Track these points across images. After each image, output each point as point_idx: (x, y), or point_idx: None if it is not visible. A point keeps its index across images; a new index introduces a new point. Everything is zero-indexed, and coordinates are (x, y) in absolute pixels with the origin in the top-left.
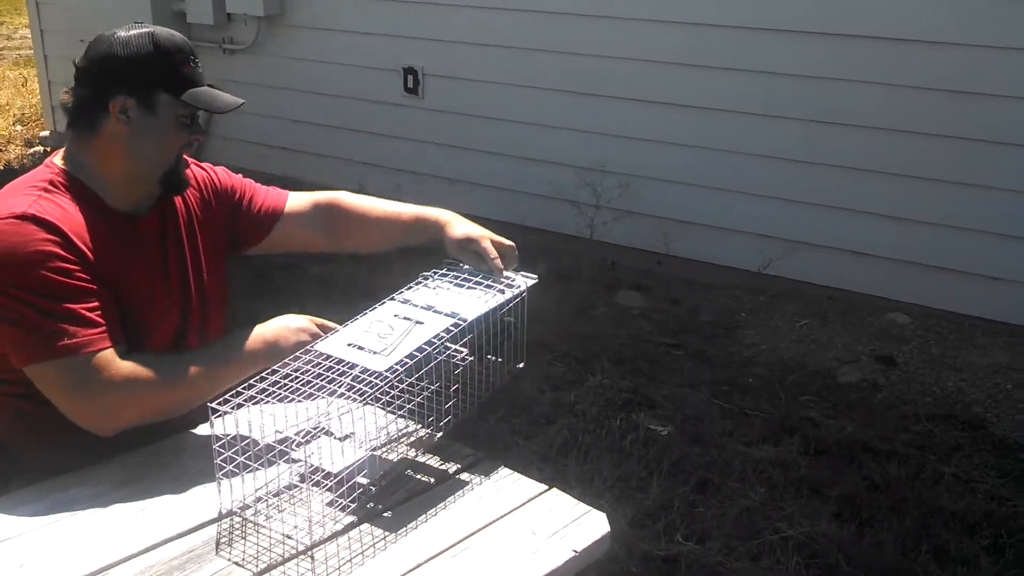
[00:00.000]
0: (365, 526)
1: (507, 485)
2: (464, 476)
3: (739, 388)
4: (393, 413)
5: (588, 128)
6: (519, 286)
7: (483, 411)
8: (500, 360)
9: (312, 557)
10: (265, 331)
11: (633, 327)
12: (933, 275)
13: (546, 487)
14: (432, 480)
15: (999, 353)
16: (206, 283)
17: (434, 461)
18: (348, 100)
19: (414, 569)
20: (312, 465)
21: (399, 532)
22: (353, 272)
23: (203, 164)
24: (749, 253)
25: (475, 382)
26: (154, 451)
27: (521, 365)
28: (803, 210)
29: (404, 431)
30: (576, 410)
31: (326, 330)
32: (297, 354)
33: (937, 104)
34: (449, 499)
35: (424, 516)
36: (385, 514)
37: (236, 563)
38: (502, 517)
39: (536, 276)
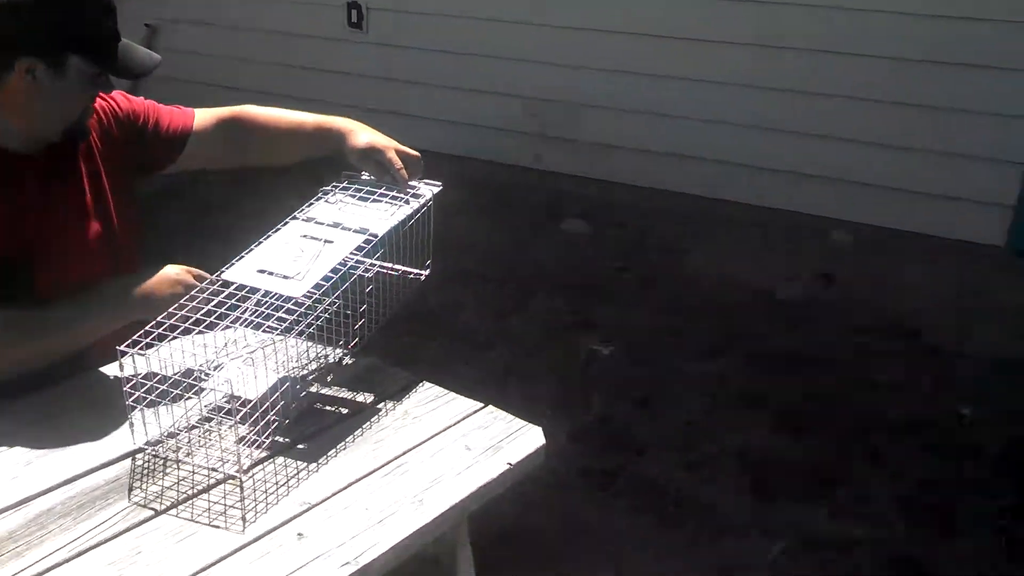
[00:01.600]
0: (296, 449)
1: (442, 405)
2: (398, 397)
3: (683, 308)
4: (309, 338)
5: (532, 58)
6: (424, 195)
7: (423, 338)
8: (411, 273)
9: (240, 484)
10: (140, 282)
11: (578, 253)
12: (874, 194)
13: (481, 404)
14: (365, 401)
15: (937, 267)
16: (114, 220)
17: (366, 384)
18: (291, 36)
19: (345, 488)
20: (230, 395)
21: (329, 455)
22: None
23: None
24: (695, 178)
25: (385, 297)
26: (66, 390)
27: (427, 273)
28: (746, 134)
29: (322, 355)
30: (517, 335)
31: (202, 280)
32: (204, 286)
33: (871, 24)
34: (383, 420)
35: (355, 437)
36: (316, 438)
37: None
38: (436, 435)
39: (440, 184)
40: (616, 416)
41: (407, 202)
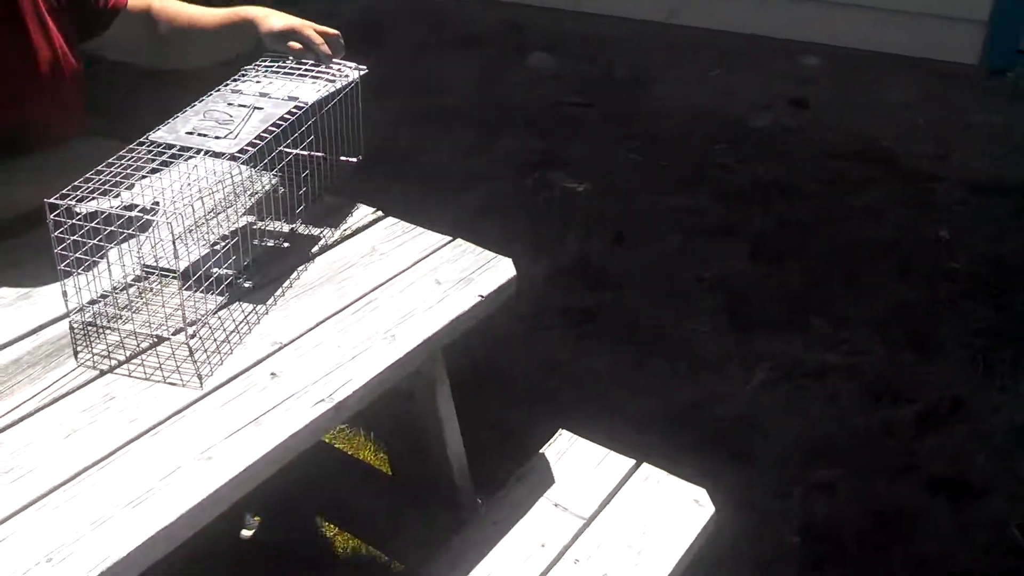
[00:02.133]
0: (262, 291)
1: (409, 240)
2: (363, 235)
3: (652, 141)
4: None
5: None
6: (350, 76)
7: (393, 179)
8: (339, 157)
9: (208, 324)
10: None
11: (544, 89)
12: (845, 12)
13: (450, 238)
14: (329, 240)
15: (911, 89)
16: (60, 59)
17: (331, 222)
18: None
19: (316, 327)
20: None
21: (298, 294)
22: None
23: None
24: (659, 4)
25: (313, 177)
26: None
27: (358, 159)
28: None
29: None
30: (488, 175)
31: None
32: (132, 147)
33: None
34: (349, 257)
35: (323, 276)
36: (281, 279)
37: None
38: (405, 270)
39: (366, 67)
40: (592, 254)
41: (333, 80)
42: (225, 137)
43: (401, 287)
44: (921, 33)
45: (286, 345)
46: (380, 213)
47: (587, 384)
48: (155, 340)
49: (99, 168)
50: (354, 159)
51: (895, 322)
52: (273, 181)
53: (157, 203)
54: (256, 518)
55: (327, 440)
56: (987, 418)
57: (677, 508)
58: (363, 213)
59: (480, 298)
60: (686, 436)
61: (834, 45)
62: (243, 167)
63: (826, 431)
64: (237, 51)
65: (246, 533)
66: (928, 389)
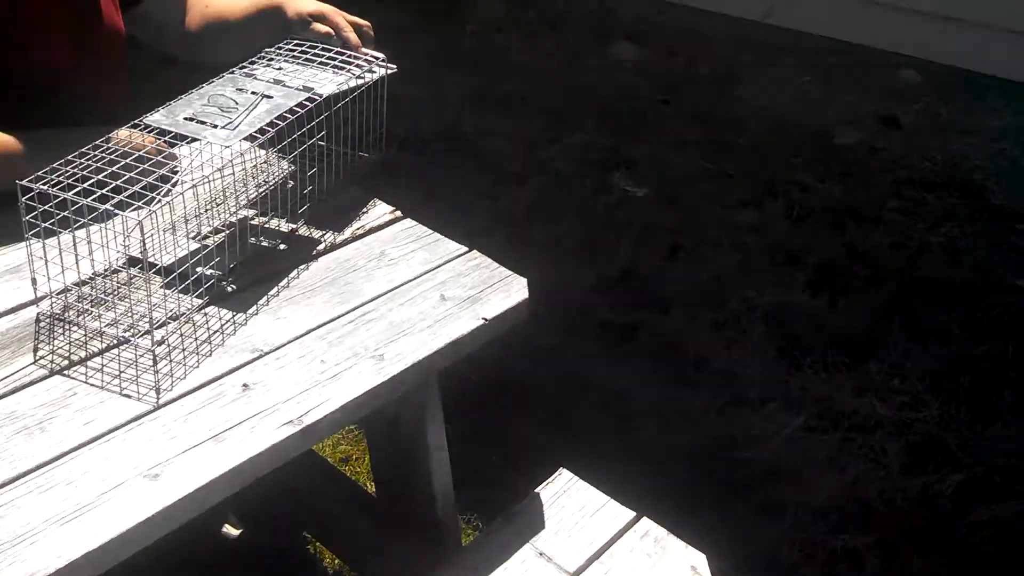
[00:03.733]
0: (254, 290)
1: (422, 247)
2: (375, 236)
3: (727, 148)
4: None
5: None
6: (374, 71)
7: (452, 166)
8: (358, 153)
9: (192, 321)
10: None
11: (623, 80)
12: (949, 28)
13: (465, 249)
14: (337, 240)
15: (1010, 116)
16: (115, 19)
17: (344, 219)
18: None
19: (303, 336)
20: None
21: (292, 297)
22: None
23: None
24: (754, 1)
25: (329, 171)
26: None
27: (379, 157)
28: None
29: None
30: (549, 169)
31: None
32: (118, 132)
33: None
34: (355, 260)
35: (324, 279)
36: (278, 278)
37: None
38: (411, 280)
39: (395, 67)
40: (641, 266)
41: (359, 74)
42: (224, 127)
43: (403, 299)
44: None
45: (267, 354)
46: (398, 213)
47: (615, 407)
48: (120, 341)
49: (84, 150)
50: (375, 157)
51: (955, 377)
52: (286, 170)
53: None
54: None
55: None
56: None
57: (669, 573)
58: (380, 212)
59: (483, 321)
60: (710, 480)
61: (935, 61)
62: (256, 150)
63: (863, 492)
64: (267, 42)
65: (231, 532)
66: (982, 454)
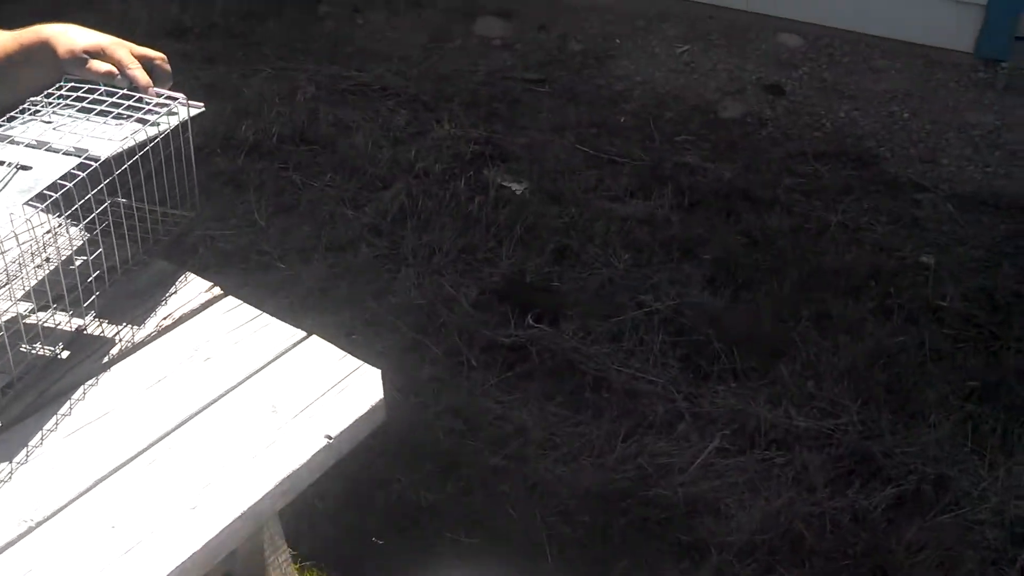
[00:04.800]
0: (18, 428)
1: (248, 335)
2: (188, 326)
3: (608, 130)
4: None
5: None
6: (176, 112)
7: (308, 173)
8: (159, 211)
9: None
10: None
11: (493, 62)
12: None
13: (303, 335)
14: (135, 337)
15: (898, 77)
16: None
17: (147, 305)
18: None
19: (86, 492)
20: None
21: (68, 435)
22: None
23: None
24: None
25: (124, 241)
26: None
27: (193, 215)
28: None
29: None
30: (417, 169)
31: None
32: None
33: None
34: (160, 365)
35: (112, 400)
36: (52, 406)
37: None
38: (232, 389)
39: (203, 105)
40: (527, 273)
41: (152, 116)
42: None
43: (221, 418)
44: (912, 14)
45: (41, 524)
46: (216, 291)
47: (510, 446)
48: None
49: None
50: (186, 215)
51: (873, 375)
52: (75, 243)
53: None
54: None
55: None
56: (976, 506)
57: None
58: (194, 292)
59: (328, 441)
60: (622, 521)
61: (817, 24)
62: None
63: (789, 519)
64: (36, 83)
65: None
66: (909, 460)
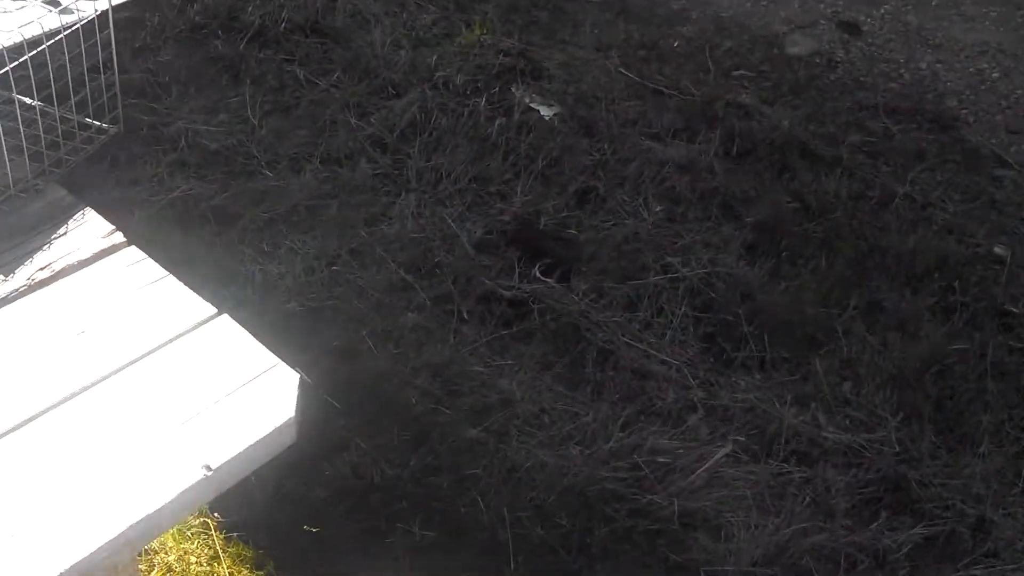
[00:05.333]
0: None
1: (141, 308)
2: (70, 282)
3: (659, 55)
4: None
5: None
6: (83, 11)
7: (315, 72)
8: (74, 117)
9: None
10: None
11: None
12: None
13: (212, 313)
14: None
15: (992, 29)
16: None
17: (23, 254)
18: None
19: None
20: None
21: None
22: None
23: None
24: None
25: (25, 157)
26: None
27: (111, 128)
28: None
29: None
30: (437, 78)
31: None
32: None
33: None
34: (30, 341)
35: None
36: None
37: None
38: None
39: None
40: (543, 215)
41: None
42: None
43: (71, 427)
44: None
45: None
46: (117, 238)
47: (491, 419)
48: None
49: None
50: (106, 128)
51: (921, 385)
52: None
53: None
54: None
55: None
56: (1019, 561)
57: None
58: (88, 235)
59: (206, 473)
60: (606, 529)
61: None
62: None
63: (798, 548)
64: None
65: None
66: (948, 493)
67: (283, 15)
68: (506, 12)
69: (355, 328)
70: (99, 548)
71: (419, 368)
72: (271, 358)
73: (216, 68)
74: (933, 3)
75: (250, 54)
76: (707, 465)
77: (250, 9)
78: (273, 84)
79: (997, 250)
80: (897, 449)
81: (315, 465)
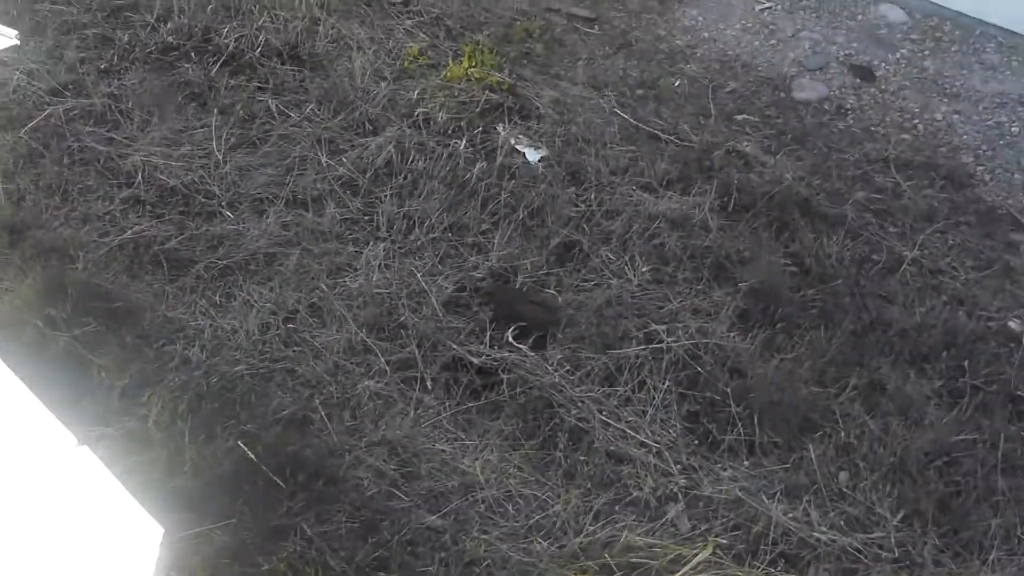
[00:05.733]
0: None
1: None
2: None
3: (657, 95)
4: None
5: None
6: None
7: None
8: None
9: None
10: None
11: None
12: None
13: (73, 441)
14: None
15: (1011, 79)
16: None
17: None
18: None
19: None
20: None
21: None
22: None
23: None
24: None
25: None
26: None
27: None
28: None
29: None
30: (417, 114)
31: None
32: None
33: None
34: None
35: None
36: None
37: None
38: None
39: (16, 33)
40: (520, 271)
41: None
42: None
43: None
44: None
45: None
46: None
47: (451, 504)
48: None
49: None
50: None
51: (924, 479)
52: None
53: None
54: None
55: None
56: None
57: None
58: None
59: None
60: None
61: (927, 1)
62: None
63: None
64: None
65: None
66: None
67: (260, 38)
68: (498, 42)
69: (308, 395)
70: None
71: (374, 443)
72: (138, 509)
73: (183, 95)
74: (953, 48)
75: (220, 80)
76: (684, 571)
77: (226, 31)
78: (242, 115)
79: (1012, 325)
80: (896, 554)
81: (250, 557)
